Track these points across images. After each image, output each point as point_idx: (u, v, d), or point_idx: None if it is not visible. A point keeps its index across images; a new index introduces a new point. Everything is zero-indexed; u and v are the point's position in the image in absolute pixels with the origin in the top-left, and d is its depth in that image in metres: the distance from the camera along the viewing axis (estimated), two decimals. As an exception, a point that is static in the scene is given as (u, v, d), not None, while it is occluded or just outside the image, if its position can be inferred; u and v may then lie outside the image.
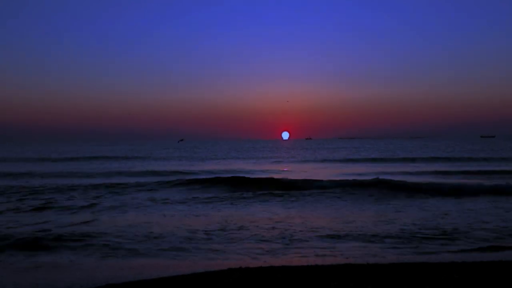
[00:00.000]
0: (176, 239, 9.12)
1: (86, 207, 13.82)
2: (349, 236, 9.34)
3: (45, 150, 75.04)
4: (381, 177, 20.03)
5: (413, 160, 38.76)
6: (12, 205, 14.28)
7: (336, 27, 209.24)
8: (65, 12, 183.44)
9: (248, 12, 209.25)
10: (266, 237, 9.38)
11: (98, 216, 12.11)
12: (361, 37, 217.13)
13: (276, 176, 23.63)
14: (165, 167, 33.32)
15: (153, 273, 6.72)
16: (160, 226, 10.57)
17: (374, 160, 40.60)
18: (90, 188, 19.25)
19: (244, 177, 22.12)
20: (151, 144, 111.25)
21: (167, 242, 8.88)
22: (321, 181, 19.70)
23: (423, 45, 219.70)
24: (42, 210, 13.40)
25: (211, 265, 7.22)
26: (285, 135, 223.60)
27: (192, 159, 47.61)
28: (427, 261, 7.22)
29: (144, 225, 10.70)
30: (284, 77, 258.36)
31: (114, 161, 43.78)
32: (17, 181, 22.77)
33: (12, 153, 64.35)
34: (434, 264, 6.91)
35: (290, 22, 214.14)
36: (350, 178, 20.61)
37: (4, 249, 8.38)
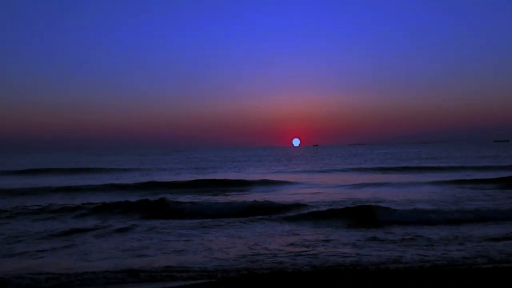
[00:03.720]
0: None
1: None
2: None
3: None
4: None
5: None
6: None
7: (346, 36, 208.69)
8: (72, 18, 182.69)
9: (259, 21, 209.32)
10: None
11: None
12: (371, 45, 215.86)
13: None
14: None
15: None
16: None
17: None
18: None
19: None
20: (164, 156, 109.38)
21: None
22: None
23: (433, 52, 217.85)
24: None
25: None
26: (296, 142, 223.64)
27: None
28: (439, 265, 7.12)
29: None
30: (297, 86, 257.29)
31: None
32: None
33: None
34: (447, 270, 6.79)
35: (300, 31, 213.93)
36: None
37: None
